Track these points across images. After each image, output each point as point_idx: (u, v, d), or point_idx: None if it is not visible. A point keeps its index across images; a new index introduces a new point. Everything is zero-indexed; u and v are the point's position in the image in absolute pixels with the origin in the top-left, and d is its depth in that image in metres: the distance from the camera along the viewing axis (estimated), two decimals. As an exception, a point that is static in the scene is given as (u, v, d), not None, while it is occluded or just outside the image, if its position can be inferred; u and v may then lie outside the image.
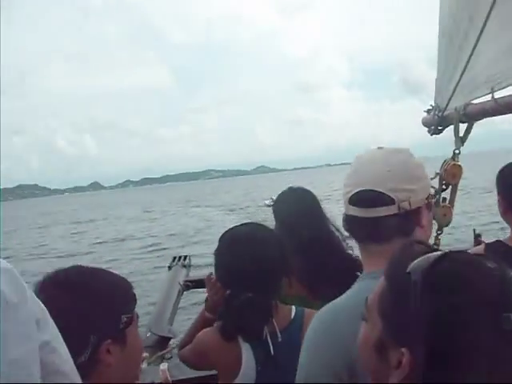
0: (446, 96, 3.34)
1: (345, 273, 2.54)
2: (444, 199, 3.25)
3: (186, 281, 3.51)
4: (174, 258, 3.88)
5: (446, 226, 3.24)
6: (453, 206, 3.24)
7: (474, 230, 3.95)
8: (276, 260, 2.09)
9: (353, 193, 1.73)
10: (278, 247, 2.13)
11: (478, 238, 3.90)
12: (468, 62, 2.87)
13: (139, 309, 1.62)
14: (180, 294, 3.31)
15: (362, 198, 1.70)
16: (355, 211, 1.72)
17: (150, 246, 32.32)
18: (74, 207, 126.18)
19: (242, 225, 2.26)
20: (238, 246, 2.09)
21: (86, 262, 28.23)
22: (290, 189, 3.25)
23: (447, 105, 3.26)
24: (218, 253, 2.16)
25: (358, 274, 1.87)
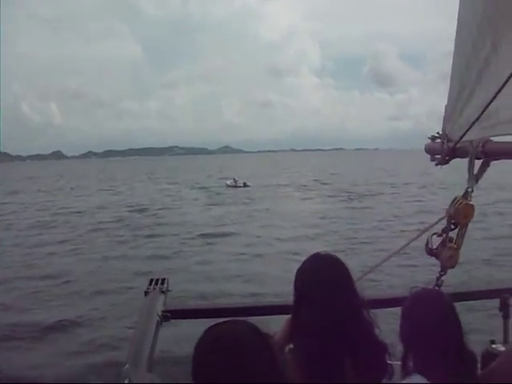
0: (460, 127, 3.11)
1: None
2: (451, 239, 3.04)
3: (165, 311, 3.22)
4: (151, 280, 3.56)
5: (451, 268, 3.04)
6: (460, 247, 3.02)
7: None
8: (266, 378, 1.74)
9: None
10: (272, 359, 1.76)
11: None
12: (494, 97, 2.61)
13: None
14: (158, 326, 3.03)
15: None
16: None
17: (118, 221, 32.35)
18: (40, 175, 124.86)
19: (230, 323, 1.85)
20: (222, 353, 1.70)
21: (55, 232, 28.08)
22: (317, 256, 2.51)
23: (461, 137, 3.02)
24: (198, 355, 1.77)
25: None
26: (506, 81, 2.53)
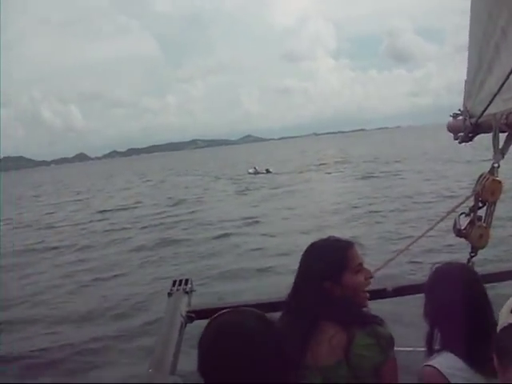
0: (481, 101, 3.00)
1: None
2: (480, 218, 2.94)
3: (189, 311, 3.17)
4: (175, 281, 3.51)
5: (482, 248, 2.93)
6: (490, 225, 2.92)
7: None
8: (269, 362, 1.67)
9: None
10: (273, 344, 1.71)
11: None
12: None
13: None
14: (183, 328, 2.99)
15: None
16: None
17: (159, 213, 32.37)
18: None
19: (232, 312, 1.85)
20: (223, 341, 1.71)
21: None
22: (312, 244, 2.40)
23: (483, 112, 2.91)
24: (201, 344, 1.75)
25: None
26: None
